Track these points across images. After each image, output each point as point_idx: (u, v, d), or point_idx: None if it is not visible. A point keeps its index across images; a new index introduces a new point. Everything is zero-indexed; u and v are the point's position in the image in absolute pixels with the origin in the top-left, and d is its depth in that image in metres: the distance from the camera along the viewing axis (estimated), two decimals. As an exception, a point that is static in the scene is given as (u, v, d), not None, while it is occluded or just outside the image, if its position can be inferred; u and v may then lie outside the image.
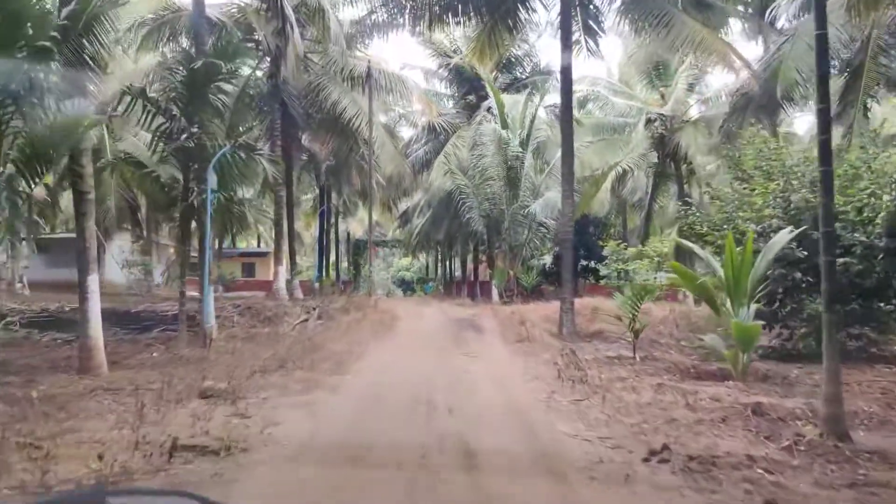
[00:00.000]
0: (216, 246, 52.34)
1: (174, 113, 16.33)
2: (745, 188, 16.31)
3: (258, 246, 56.43)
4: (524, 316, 21.14)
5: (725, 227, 16.13)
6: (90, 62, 11.38)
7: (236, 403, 9.09)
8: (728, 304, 12.52)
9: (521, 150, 26.69)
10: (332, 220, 52.22)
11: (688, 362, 14.55)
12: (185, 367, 12.47)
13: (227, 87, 30.10)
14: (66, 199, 37.62)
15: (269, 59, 26.90)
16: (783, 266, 13.78)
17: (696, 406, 9.35)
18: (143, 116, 16.35)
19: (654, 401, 9.71)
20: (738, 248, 12.20)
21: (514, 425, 8.42)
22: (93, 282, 12.11)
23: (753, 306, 12.57)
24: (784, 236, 12.64)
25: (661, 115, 31.80)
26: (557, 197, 25.46)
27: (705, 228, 16.25)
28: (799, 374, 12.57)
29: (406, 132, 36.10)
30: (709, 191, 18.61)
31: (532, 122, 27.42)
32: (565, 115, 19.03)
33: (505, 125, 26.68)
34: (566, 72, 18.85)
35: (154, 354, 14.93)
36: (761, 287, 12.56)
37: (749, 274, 12.23)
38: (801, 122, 56.93)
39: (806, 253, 13.94)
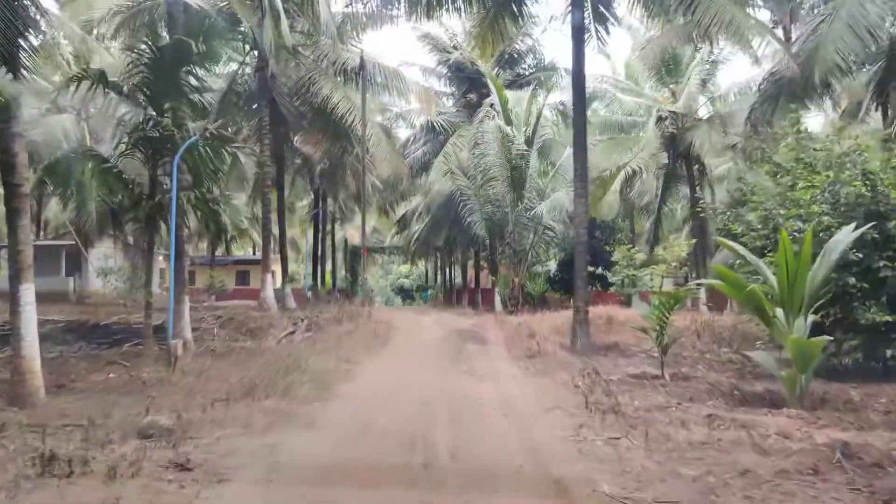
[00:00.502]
0: (210, 253, 50.54)
1: (139, 100, 14.27)
2: (781, 183, 14.24)
3: (254, 253, 54.32)
4: (532, 327, 19.11)
5: (759, 226, 14.15)
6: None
7: (180, 446, 7.03)
8: (781, 314, 10.42)
9: (525, 148, 24.66)
10: (329, 226, 50.23)
11: (724, 381, 12.51)
12: (138, 394, 10.38)
13: (213, 83, 28.45)
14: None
15: (255, 52, 24.87)
16: (833, 270, 11.73)
17: (765, 447, 7.29)
18: (107, 104, 14.29)
19: (711, 439, 7.65)
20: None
21: (539, 483, 6.32)
22: (27, 292, 10.04)
23: (811, 318, 10.50)
24: (846, 235, 10.58)
25: (673, 112, 29.77)
26: (566, 198, 23.48)
27: (741, 228, 14.15)
28: (859, 396, 10.55)
29: (403, 133, 34.00)
30: (740, 187, 16.50)
31: (538, 118, 25.41)
32: (578, 106, 17.04)
33: (508, 122, 24.65)
34: (578, 56, 16.84)
35: (111, 375, 12.85)
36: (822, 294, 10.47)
37: (806, 280, 10.15)
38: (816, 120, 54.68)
39: (860, 255, 11.96)
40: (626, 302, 26.32)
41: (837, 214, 12.53)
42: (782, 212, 13.47)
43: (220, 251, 54.45)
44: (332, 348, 15.95)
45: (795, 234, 12.11)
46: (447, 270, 46.10)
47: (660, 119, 30.17)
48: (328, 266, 55.81)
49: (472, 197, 25.81)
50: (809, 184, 12.98)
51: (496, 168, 25.02)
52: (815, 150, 13.99)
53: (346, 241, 55.93)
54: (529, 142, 24.84)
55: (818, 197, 12.82)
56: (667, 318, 13.26)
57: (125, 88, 14.22)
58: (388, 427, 8.17)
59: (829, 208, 12.61)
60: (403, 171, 27.67)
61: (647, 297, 29.40)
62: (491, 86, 25.68)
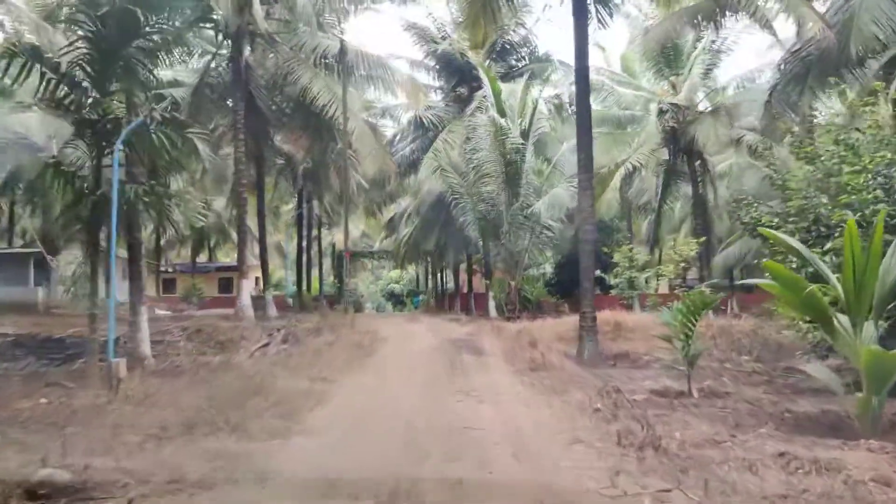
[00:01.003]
0: (192, 260, 48.38)
1: (79, 79, 12.23)
2: (821, 167, 12.32)
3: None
4: (532, 334, 17.19)
5: (796, 217, 12.23)
6: None
7: (71, 518, 5.00)
8: (845, 321, 8.48)
9: (521, 141, 22.70)
10: (315, 230, 48.12)
11: (764, 399, 10.61)
12: (60, 428, 8.32)
13: (186, 78, 26.40)
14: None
15: (229, 41, 22.86)
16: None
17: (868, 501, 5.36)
18: (41, 85, 12.24)
19: (792, 489, 5.71)
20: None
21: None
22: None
23: (882, 324, 8.58)
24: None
25: (674, 105, 27.94)
26: (565, 194, 21.58)
27: (775, 220, 12.23)
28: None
29: (390, 131, 31.81)
30: (769, 174, 14.58)
31: (534, 110, 23.47)
32: (581, 86, 15.16)
33: (502, 114, 22.69)
34: (581, 32, 14.92)
35: (42, 401, 10.74)
36: None
37: (876, 279, 8.20)
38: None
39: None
40: (630, 306, 24.38)
41: (893, 201, 10.63)
42: (824, 200, 11.57)
43: (203, 258, 52.47)
44: (308, 364, 13.97)
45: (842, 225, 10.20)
46: (439, 275, 44.08)
47: (660, 112, 28.34)
48: (315, 272, 53.97)
49: (463, 196, 23.85)
50: (859, 167, 11.05)
51: (489, 164, 23.08)
52: (858, 130, 12.08)
53: (333, 245, 53.82)
54: (525, 135, 22.90)
55: (870, 182, 10.89)
56: (693, 325, 11.30)
57: (63, 67, 12.15)
58: (362, 477, 6.15)
59: (883, 194, 10.69)
60: (390, 169, 25.65)
61: (644, 300, 27.79)
62: (483, 76, 23.73)
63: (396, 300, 74.62)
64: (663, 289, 31.36)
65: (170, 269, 50.60)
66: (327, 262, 52.53)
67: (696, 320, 11.34)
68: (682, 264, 21.73)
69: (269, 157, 33.54)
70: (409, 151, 29.69)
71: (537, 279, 25.25)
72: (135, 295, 14.77)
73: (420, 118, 28.76)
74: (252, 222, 29.07)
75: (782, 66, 17.24)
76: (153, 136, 12.24)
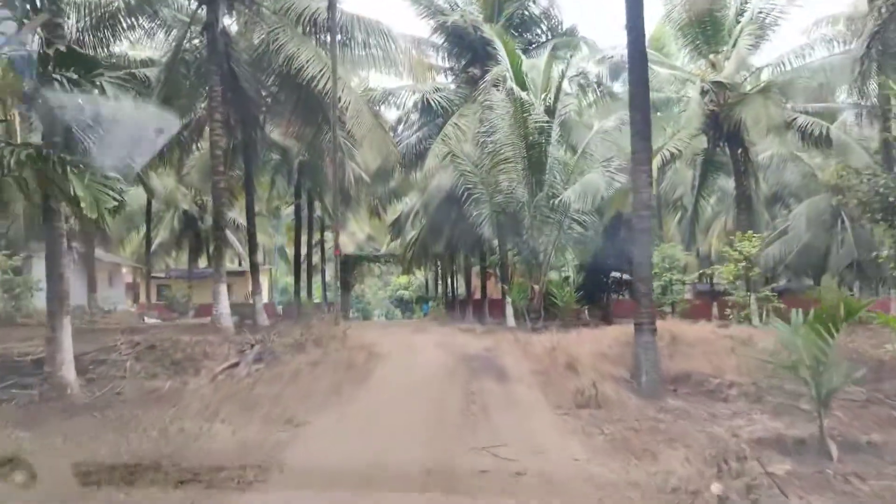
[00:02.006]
0: (189, 265, 44.78)
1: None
2: None
3: (239, 265, 48.46)
4: (568, 351, 13.37)
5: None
6: None
7: None
8: None
9: (546, 119, 18.94)
10: (318, 233, 44.53)
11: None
12: None
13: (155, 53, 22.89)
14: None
15: (203, 6, 19.27)
16: None
17: None
18: None
19: None
20: None
21: None
22: None
23: None
24: None
25: (718, 83, 24.14)
26: (600, 180, 17.83)
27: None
28: None
29: (393, 116, 27.95)
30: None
31: (560, 83, 19.70)
32: (633, 24, 11.41)
33: (523, 87, 18.91)
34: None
35: None
36: None
37: None
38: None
39: None
40: (680, 314, 20.56)
41: None
42: None
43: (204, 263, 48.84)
44: (276, 394, 10.28)
45: None
46: (449, 279, 40.34)
47: (702, 93, 24.54)
48: (316, 278, 50.55)
49: (477, 186, 20.10)
50: None
51: (508, 148, 19.34)
52: None
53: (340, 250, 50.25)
54: (550, 112, 19.15)
55: None
56: (829, 345, 7.52)
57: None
58: None
59: None
60: (393, 156, 21.88)
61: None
62: (499, 45, 19.93)
63: (406, 307, 70.89)
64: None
65: (164, 275, 47.24)
66: (332, 268, 48.79)
67: (833, 338, 7.56)
68: (742, 263, 17.91)
69: (263, 151, 30.02)
70: (416, 141, 25.94)
71: (567, 283, 21.33)
72: (53, 301, 11.10)
73: (427, 100, 25.03)
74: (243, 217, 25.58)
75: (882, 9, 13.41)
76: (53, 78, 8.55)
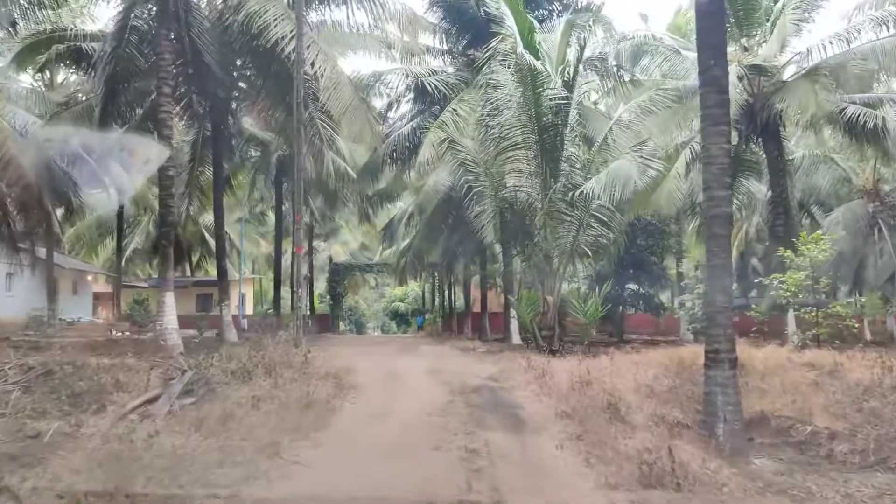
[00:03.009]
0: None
1: None
2: None
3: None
4: (602, 382, 9.83)
5: None
6: None
7: None
8: None
9: (563, 94, 15.41)
10: (304, 240, 41.00)
11: None
12: None
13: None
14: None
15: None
16: None
17: None
18: None
19: None
20: None
21: None
22: None
23: None
24: None
25: (757, 67, 20.68)
26: (632, 168, 14.26)
27: None
28: None
29: (384, 104, 24.21)
30: None
31: (580, 54, 16.11)
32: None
33: (536, 55, 15.34)
34: None
35: None
36: None
37: None
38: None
39: None
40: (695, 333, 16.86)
41: None
42: None
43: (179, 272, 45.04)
44: (186, 453, 6.76)
45: None
46: (447, 291, 36.73)
47: (740, 79, 21.01)
48: (312, 289, 46.79)
49: (479, 177, 16.56)
50: None
51: (517, 131, 15.85)
52: None
53: (330, 259, 46.56)
54: (568, 86, 15.58)
55: None
56: None
57: None
58: None
59: None
60: (378, 139, 18.30)
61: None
62: (505, 10, 16.25)
63: (401, 320, 67.13)
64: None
65: (144, 284, 43.59)
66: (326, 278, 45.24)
67: None
68: (806, 272, 14.33)
69: (238, 144, 26.56)
70: (409, 131, 22.34)
71: (585, 294, 17.52)
72: None
73: (422, 84, 21.47)
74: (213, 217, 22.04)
75: None
76: None
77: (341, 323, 45.63)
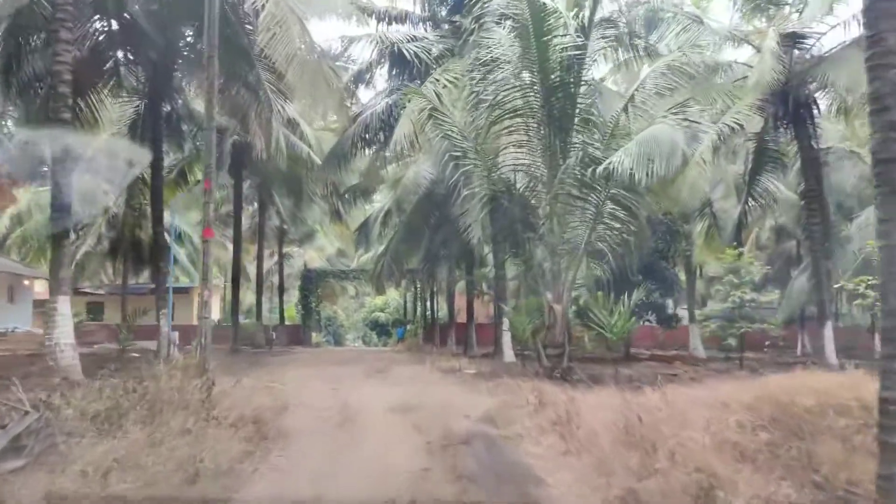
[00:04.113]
0: (123, 279, 36.96)
1: None
2: None
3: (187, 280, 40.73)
4: (661, 435, 6.08)
5: None
6: None
7: None
8: None
9: (578, 40, 11.79)
10: (275, 244, 37.18)
11: None
12: None
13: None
14: None
15: None
16: None
17: None
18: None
19: None
20: None
21: None
22: None
23: None
24: None
25: (794, 36, 17.34)
26: (674, 133, 10.68)
27: None
28: None
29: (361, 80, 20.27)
30: None
31: (597, -5, 12.52)
32: None
33: (541, -5, 11.74)
34: None
35: None
36: None
37: None
38: None
39: None
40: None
41: None
42: None
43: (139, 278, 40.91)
44: None
45: None
46: (428, 299, 33.02)
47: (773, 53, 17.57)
48: (264, 296, 42.92)
49: (468, 154, 12.84)
50: None
51: (517, 93, 12.24)
52: None
53: (305, 265, 42.64)
54: (584, 30, 11.96)
55: None
56: None
57: None
58: None
59: None
60: (342, 105, 14.64)
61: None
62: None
63: (382, 330, 63.16)
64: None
65: (96, 291, 39.50)
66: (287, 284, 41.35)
67: None
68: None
69: (192, 132, 22.81)
70: (384, 109, 18.57)
71: (621, 304, 13.50)
72: None
73: (399, 50, 17.77)
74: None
75: None
76: None
77: (315, 334, 41.79)
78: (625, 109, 12.23)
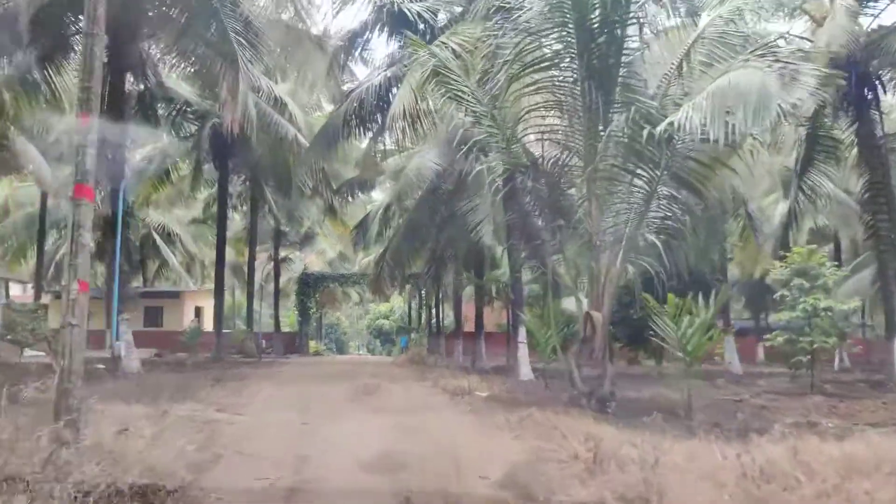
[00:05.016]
0: (106, 284, 34.12)
1: None
2: None
3: (177, 285, 37.89)
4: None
5: None
6: None
7: None
8: None
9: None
10: (274, 246, 34.31)
11: None
12: None
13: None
14: None
15: None
16: None
17: None
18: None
19: None
20: None
21: None
22: None
23: None
24: None
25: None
26: (767, 78, 7.73)
27: None
28: None
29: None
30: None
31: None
32: None
33: None
34: None
35: None
36: None
37: None
38: None
39: None
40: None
41: None
42: None
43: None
44: None
45: None
46: (433, 306, 30.11)
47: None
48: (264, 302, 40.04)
49: (482, 119, 9.90)
50: None
51: (551, 37, 9.33)
52: None
53: (304, 269, 39.74)
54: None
55: None
56: None
57: None
58: None
59: None
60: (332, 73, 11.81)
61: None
62: None
63: (386, 339, 60.31)
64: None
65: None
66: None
67: None
68: None
69: (171, 115, 20.08)
70: (382, 83, 15.67)
71: (690, 302, 10.50)
72: None
73: (399, 9, 14.93)
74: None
75: None
76: None
77: (313, 343, 38.95)
78: (686, 57, 9.33)
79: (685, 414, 7.68)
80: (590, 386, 9.22)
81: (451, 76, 10.16)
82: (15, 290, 34.23)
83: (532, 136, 10.22)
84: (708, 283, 17.18)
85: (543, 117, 10.07)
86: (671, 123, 7.79)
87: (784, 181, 21.25)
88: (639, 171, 9.00)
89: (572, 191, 9.96)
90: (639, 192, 9.17)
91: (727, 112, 7.67)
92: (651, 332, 8.63)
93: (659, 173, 8.82)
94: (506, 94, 9.88)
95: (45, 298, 35.02)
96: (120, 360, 13.67)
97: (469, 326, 24.21)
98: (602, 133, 9.09)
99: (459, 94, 10.05)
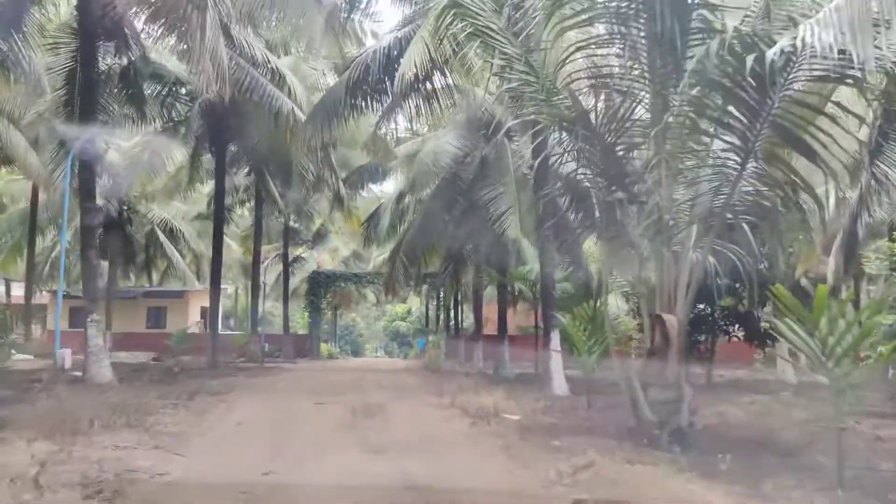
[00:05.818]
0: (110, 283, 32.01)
1: None
2: None
3: (185, 284, 35.66)
4: None
5: None
6: None
7: None
8: None
9: None
10: (283, 242, 32.01)
11: None
12: None
13: None
14: None
15: None
16: None
17: None
18: None
19: None
20: None
21: None
22: None
23: None
24: None
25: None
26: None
27: None
28: None
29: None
30: None
31: None
32: None
33: None
34: None
35: None
36: None
37: None
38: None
39: None
40: None
41: None
42: None
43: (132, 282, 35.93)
44: None
45: None
46: (452, 307, 27.65)
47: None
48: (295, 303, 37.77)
49: (514, 64, 7.48)
50: None
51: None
52: None
53: (317, 267, 37.33)
54: None
55: None
56: None
57: None
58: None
59: None
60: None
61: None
62: None
63: (402, 340, 57.98)
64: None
65: (75, 295, 34.66)
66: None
67: None
68: None
69: (158, 94, 17.86)
70: (392, 45, 13.18)
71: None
72: None
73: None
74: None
75: None
76: None
77: (327, 345, 36.60)
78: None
79: (838, 463, 5.19)
80: (659, 414, 6.75)
81: (478, 16, 7.72)
82: (16, 290, 32.31)
83: (580, 83, 7.73)
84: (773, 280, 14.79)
85: (594, 58, 7.60)
86: (792, 43, 5.28)
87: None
88: (731, 122, 6.50)
89: (634, 154, 7.48)
90: (730, 152, 6.68)
91: (874, 24, 5.19)
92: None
93: (759, 125, 6.32)
94: (545, 29, 7.41)
95: (45, 298, 33.29)
96: (63, 371, 11.37)
97: (490, 329, 21.73)
98: (673, 76, 6.61)
99: (486, 29, 7.61)
